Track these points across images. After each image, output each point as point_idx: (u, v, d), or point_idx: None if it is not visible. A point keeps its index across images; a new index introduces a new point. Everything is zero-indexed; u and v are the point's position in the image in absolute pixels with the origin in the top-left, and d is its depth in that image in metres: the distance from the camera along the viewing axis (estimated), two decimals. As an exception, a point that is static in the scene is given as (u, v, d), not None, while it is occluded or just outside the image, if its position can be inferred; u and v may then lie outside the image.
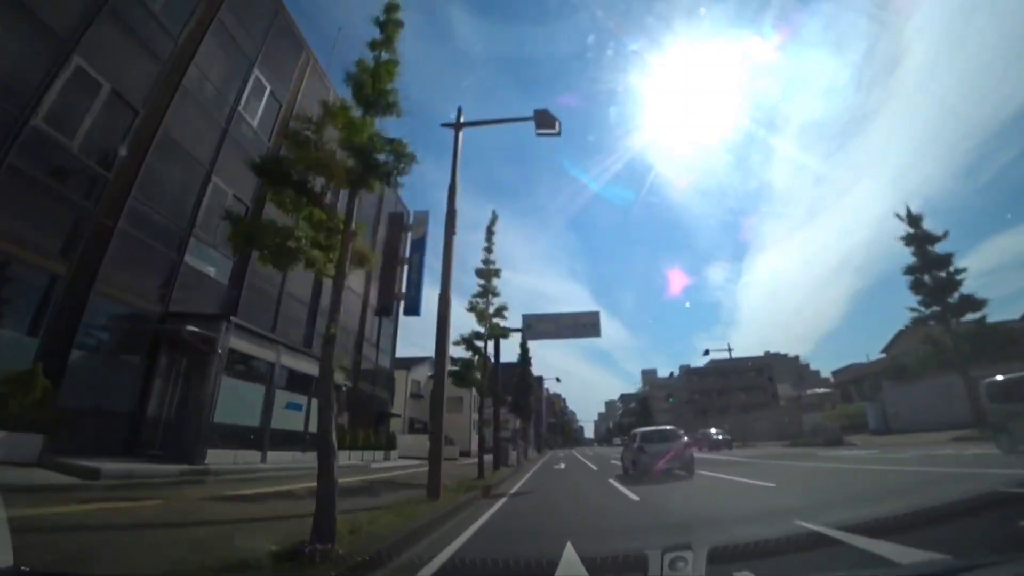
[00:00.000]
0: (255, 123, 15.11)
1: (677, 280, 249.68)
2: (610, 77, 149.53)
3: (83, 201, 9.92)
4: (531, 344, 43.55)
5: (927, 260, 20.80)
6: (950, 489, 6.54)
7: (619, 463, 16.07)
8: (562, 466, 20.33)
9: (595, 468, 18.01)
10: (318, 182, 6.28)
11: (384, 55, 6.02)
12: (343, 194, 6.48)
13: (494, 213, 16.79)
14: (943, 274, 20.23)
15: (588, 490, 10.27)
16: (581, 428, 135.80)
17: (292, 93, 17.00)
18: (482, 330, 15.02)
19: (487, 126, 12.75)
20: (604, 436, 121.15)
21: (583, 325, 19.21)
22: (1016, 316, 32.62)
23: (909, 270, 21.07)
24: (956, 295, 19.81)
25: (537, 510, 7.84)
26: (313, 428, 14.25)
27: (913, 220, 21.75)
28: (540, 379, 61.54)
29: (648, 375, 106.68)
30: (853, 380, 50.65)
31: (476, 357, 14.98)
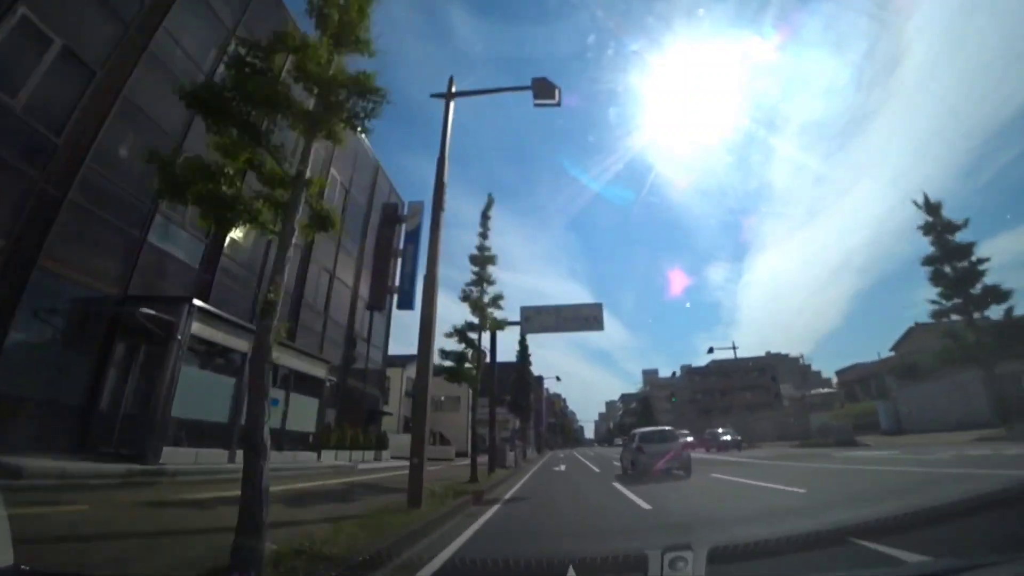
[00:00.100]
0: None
1: (677, 280, 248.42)
2: (610, 77, 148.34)
3: (26, 167, 8.85)
4: (531, 344, 42.66)
5: (947, 250, 19.73)
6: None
7: (621, 464, 15.98)
8: (562, 468, 19.24)
9: (597, 470, 16.95)
10: (270, 124, 5.25)
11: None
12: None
13: (490, 196, 15.76)
14: (964, 264, 19.16)
15: (591, 496, 9.20)
16: (581, 428, 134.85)
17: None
18: (476, 320, 13.93)
19: (480, 96, 11.72)
20: (604, 436, 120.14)
21: (585, 318, 18.16)
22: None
23: (928, 260, 20.01)
24: (979, 286, 18.74)
25: (533, 521, 6.76)
26: (294, 426, 13.16)
27: (931, 208, 20.68)
28: (540, 379, 60.54)
29: (649, 375, 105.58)
30: (858, 379, 49.76)
31: (470, 350, 13.89)
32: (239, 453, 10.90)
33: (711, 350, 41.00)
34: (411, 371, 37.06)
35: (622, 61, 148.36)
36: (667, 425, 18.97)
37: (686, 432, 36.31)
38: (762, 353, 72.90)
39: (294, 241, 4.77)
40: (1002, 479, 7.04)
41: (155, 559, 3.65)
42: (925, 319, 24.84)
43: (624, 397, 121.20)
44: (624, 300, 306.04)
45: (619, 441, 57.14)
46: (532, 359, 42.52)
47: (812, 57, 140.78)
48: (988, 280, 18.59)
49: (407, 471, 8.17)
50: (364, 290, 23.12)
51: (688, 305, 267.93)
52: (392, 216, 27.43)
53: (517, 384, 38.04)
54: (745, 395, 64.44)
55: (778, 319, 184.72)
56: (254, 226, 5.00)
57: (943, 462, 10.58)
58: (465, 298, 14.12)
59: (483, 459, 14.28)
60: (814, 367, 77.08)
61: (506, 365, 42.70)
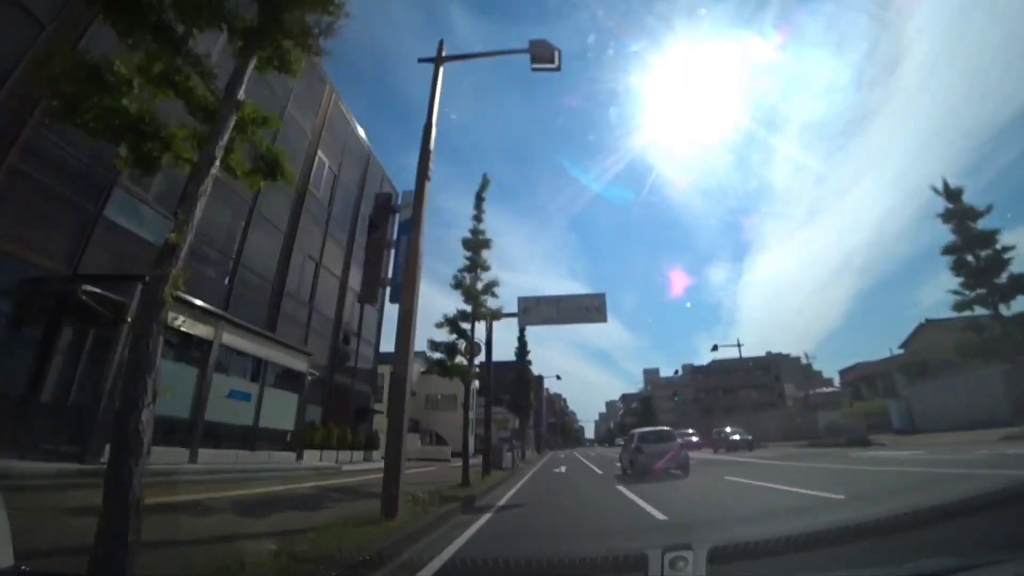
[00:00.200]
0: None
1: (678, 280, 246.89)
2: (610, 77, 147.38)
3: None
4: (530, 344, 41.51)
5: (969, 237, 18.64)
6: None
7: (620, 464, 15.87)
8: (562, 469, 18.14)
9: (599, 472, 15.88)
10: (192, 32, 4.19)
11: None
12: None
13: (485, 176, 14.65)
14: (988, 252, 18.08)
15: (595, 503, 8.11)
16: (582, 428, 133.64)
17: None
18: (468, 309, 12.84)
19: (471, 60, 10.70)
20: (605, 436, 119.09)
21: (586, 309, 17.07)
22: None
23: (949, 249, 18.91)
24: (1004, 275, 17.66)
25: (528, 535, 5.68)
26: (270, 423, 12.08)
27: (951, 194, 19.57)
28: (540, 378, 59.51)
29: (650, 374, 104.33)
30: (863, 378, 48.74)
31: (462, 342, 12.79)
32: (203, 452, 9.86)
33: (715, 347, 40.10)
34: (406, 368, 36.08)
35: (622, 61, 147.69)
36: (669, 425, 17.89)
37: (691, 432, 35.26)
38: (762, 353, 71.90)
39: (254, 206, 3.68)
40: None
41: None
42: (932, 316, 23.97)
43: (624, 397, 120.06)
44: (624, 300, 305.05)
45: (620, 441, 56.12)
46: (532, 359, 41.45)
47: (813, 57, 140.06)
48: (1014, 269, 17.52)
49: None
50: (355, 283, 22.06)
51: (688, 305, 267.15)
52: (385, 206, 26.32)
53: (516, 383, 36.93)
54: (748, 394, 63.43)
55: (778, 319, 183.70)
56: (168, 157, 3.94)
57: (984, 462, 9.52)
58: (457, 285, 13.03)
59: (477, 461, 13.21)
60: (815, 367, 76.13)
61: (505, 364, 41.66)
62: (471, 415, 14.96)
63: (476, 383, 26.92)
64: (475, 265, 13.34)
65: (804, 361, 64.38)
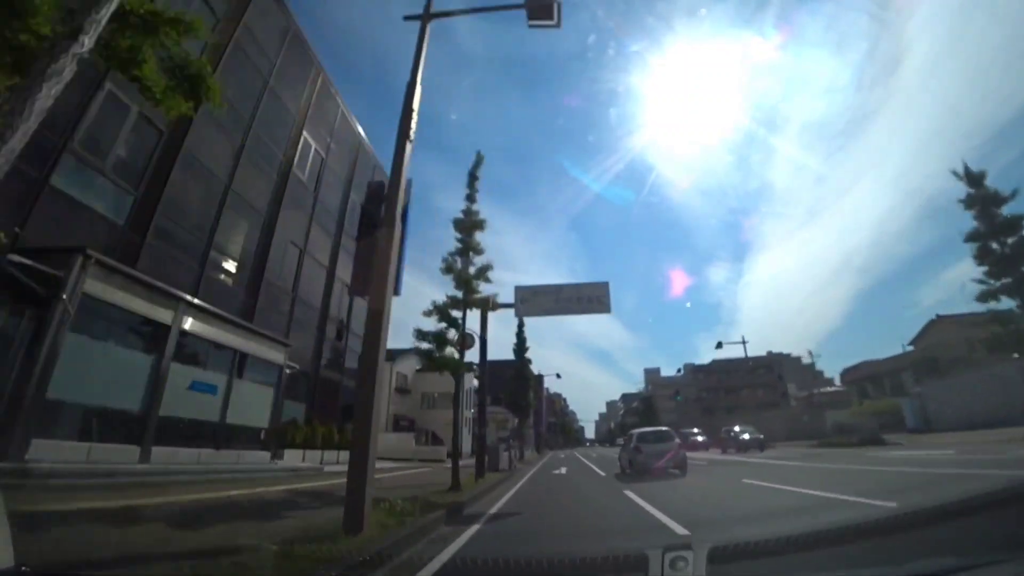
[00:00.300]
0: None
1: (678, 280, 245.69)
2: (611, 77, 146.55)
3: None
4: (530, 344, 40.40)
5: (994, 224, 17.57)
6: None
7: (620, 463, 15.85)
8: (563, 470, 17.04)
9: (602, 473, 14.80)
10: None
11: None
12: None
13: (479, 154, 13.59)
14: (1015, 239, 17.01)
15: (600, 512, 7.02)
16: (582, 428, 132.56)
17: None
18: (459, 295, 11.76)
19: (461, 16, 9.64)
20: (605, 436, 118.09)
21: (588, 299, 15.95)
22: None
23: (973, 236, 17.84)
24: (1032, 263, 16.63)
25: (524, 556, 4.61)
26: (240, 420, 10.98)
27: (973, 179, 18.49)
28: (540, 377, 58.48)
29: (651, 374, 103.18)
30: (868, 377, 47.82)
31: (452, 331, 11.70)
32: (158, 451, 8.76)
33: (720, 344, 38.81)
34: (401, 365, 34.88)
35: (623, 61, 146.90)
36: (671, 424, 17.17)
37: (696, 431, 34.18)
38: (763, 352, 70.92)
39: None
40: None
41: None
42: (932, 315, 22.97)
43: (625, 397, 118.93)
44: (625, 300, 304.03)
45: (620, 441, 55.04)
46: (531, 359, 40.30)
47: (813, 57, 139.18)
48: None
49: (382, 475, 6.07)
50: (344, 274, 20.96)
51: (688, 305, 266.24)
52: (378, 195, 25.18)
53: (515, 380, 35.83)
54: (751, 394, 62.41)
55: (778, 319, 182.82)
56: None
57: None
58: (447, 269, 11.96)
59: (461, 462, 12.10)
60: (816, 366, 75.12)
61: (504, 363, 40.60)
62: (468, 413, 13.98)
63: (475, 381, 25.75)
64: (467, 248, 12.27)
65: (809, 360, 63.61)
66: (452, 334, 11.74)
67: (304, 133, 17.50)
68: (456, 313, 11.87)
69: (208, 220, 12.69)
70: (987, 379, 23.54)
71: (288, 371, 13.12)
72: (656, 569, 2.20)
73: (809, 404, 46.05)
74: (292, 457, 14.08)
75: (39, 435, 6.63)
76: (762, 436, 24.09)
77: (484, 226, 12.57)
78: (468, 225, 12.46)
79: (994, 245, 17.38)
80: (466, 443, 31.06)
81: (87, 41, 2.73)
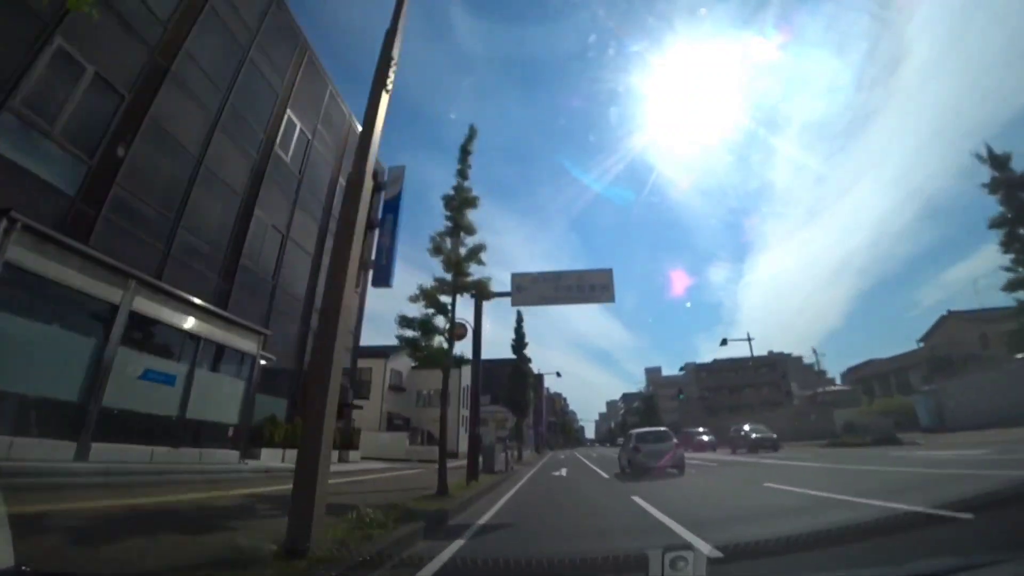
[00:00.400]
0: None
1: (678, 280, 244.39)
2: (611, 77, 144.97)
3: None
4: (530, 346, 39.24)
5: (1021, 210, 16.50)
6: None
7: (619, 463, 15.82)
8: (563, 472, 15.93)
9: (605, 476, 13.70)
10: None
11: None
12: None
13: (472, 128, 12.51)
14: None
15: (608, 524, 5.91)
16: (582, 428, 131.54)
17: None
18: (448, 277, 10.68)
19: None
20: (606, 436, 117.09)
21: (591, 287, 14.86)
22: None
23: (998, 222, 16.77)
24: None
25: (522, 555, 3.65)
26: (205, 415, 9.90)
27: (998, 162, 17.41)
28: (540, 376, 57.45)
29: (652, 373, 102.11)
30: (873, 376, 46.94)
31: (440, 318, 10.60)
32: (100, 448, 7.67)
33: (725, 341, 37.70)
34: (395, 362, 33.76)
35: (623, 61, 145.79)
36: (674, 424, 16.41)
37: (702, 430, 33.09)
38: (763, 352, 69.92)
39: None
40: None
41: None
42: (932, 315, 21.96)
43: (625, 396, 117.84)
44: (625, 300, 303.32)
45: (621, 441, 53.81)
46: (531, 359, 39.18)
47: (813, 57, 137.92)
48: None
49: (366, 476, 4.99)
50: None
51: (689, 305, 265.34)
52: (371, 182, 24.24)
53: (513, 376, 34.75)
54: (754, 393, 61.38)
55: (779, 319, 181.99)
56: None
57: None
58: (436, 250, 10.88)
59: (456, 463, 11.00)
60: (818, 366, 74.09)
61: (503, 362, 39.49)
62: (466, 411, 12.97)
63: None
64: (458, 228, 11.19)
65: (812, 359, 62.51)
66: (441, 322, 10.69)
67: (288, 111, 16.43)
68: (445, 298, 10.79)
69: (176, 196, 11.61)
70: (1006, 376, 22.53)
71: (263, 363, 12.04)
72: (656, 569, 2.16)
73: (813, 403, 45.04)
74: (270, 457, 13.00)
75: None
76: (775, 435, 22.97)
77: (477, 203, 11.51)
78: (459, 202, 11.38)
79: (1022, 231, 16.30)
80: (461, 442, 29.97)
81: None
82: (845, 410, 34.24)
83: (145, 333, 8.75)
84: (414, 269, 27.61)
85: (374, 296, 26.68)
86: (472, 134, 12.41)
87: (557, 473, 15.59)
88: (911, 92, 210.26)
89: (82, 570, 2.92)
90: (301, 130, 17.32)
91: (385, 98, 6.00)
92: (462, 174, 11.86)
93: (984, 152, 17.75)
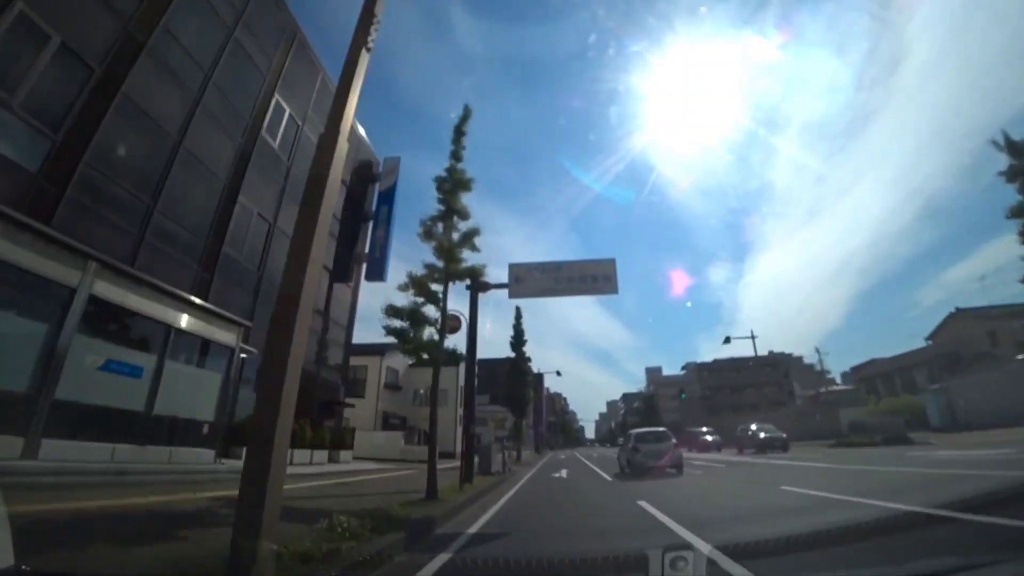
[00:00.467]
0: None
1: (678, 280, 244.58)
2: (611, 77, 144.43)
3: None
4: (530, 347, 38.54)
5: (1042, 199, 15.75)
6: None
7: (618, 463, 15.81)
8: (563, 474, 15.21)
9: (608, 478, 12.97)
10: None
11: None
12: None
13: (467, 107, 11.80)
14: (1067, 215, 15.21)
15: (614, 535, 5.19)
16: (582, 428, 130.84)
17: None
18: (440, 264, 9.98)
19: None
20: (606, 436, 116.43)
21: (593, 278, 14.14)
22: None
23: (1018, 211, 15.99)
24: (1089, 241, 14.78)
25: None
26: (176, 410, 9.19)
27: (1015, 149, 16.61)
28: (540, 375, 56.72)
29: (653, 373, 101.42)
30: (877, 375, 46.27)
31: (430, 308, 9.88)
32: (52, 444, 6.96)
33: (728, 339, 37.02)
34: (391, 360, 32.99)
35: (623, 61, 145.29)
36: (675, 424, 15.85)
37: (706, 430, 32.40)
38: (764, 352, 69.20)
39: None
40: None
41: None
42: (933, 315, 21.37)
43: (626, 396, 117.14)
44: (625, 300, 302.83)
45: (621, 441, 53.08)
46: (531, 358, 38.39)
47: (813, 57, 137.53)
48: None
49: (354, 478, 4.26)
50: (327, 259, 19.18)
51: (689, 305, 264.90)
52: (364, 175, 23.55)
53: (512, 374, 34.04)
54: (756, 392, 60.71)
55: (779, 319, 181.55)
56: None
57: None
58: (426, 234, 10.18)
59: (448, 465, 10.27)
60: (818, 366, 73.47)
61: (502, 361, 38.76)
62: (463, 410, 12.29)
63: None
64: (451, 211, 10.48)
65: (813, 359, 61.82)
66: (432, 312, 9.98)
67: (276, 96, 15.73)
68: (436, 287, 10.08)
69: (152, 178, 10.91)
70: (1019, 373, 21.91)
71: (244, 356, 11.33)
72: (656, 569, 2.12)
73: (816, 403, 44.39)
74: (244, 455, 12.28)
75: None
76: (784, 435, 22.26)
77: (471, 185, 10.80)
78: (452, 184, 10.67)
79: (1044, 221, 15.55)
80: (458, 442, 29.22)
81: None
82: (850, 409, 33.55)
83: (108, 321, 8.05)
84: (413, 267, 26.84)
85: (369, 292, 25.94)
86: (467, 114, 11.67)
87: (557, 475, 14.88)
88: (911, 92, 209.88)
89: (82, 570, 2.90)
90: (290, 115, 16.63)
91: (366, 57, 5.34)
92: (456, 155, 11.14)
93: (1001, 140, 17.03)
